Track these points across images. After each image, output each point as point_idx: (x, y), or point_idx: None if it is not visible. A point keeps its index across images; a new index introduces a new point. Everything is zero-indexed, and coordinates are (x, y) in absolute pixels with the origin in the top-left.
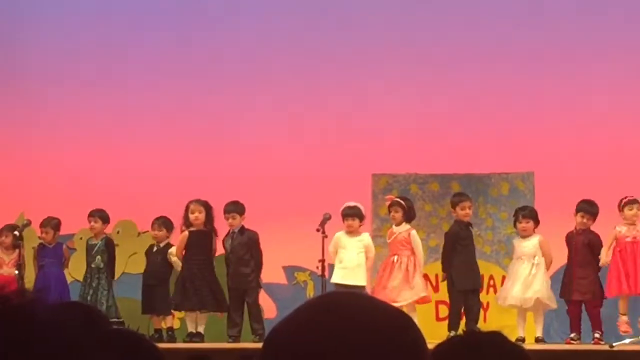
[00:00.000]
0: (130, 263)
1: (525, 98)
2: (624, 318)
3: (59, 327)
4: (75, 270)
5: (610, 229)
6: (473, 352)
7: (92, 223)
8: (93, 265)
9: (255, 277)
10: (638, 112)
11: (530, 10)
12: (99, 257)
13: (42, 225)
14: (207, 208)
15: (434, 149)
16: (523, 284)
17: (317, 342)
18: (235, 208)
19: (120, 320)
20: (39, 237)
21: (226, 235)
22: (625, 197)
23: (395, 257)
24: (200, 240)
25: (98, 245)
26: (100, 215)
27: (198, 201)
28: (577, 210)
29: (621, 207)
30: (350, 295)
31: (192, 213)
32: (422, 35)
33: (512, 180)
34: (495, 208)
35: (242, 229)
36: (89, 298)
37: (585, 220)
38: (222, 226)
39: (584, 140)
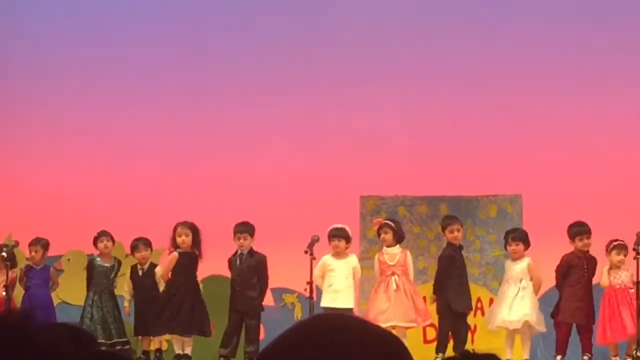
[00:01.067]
0: (119, 284)
1: (513, 120)
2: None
3: (50, 346)
4: (64, 291)
5: (600, 253)
6: None
7: (105, 242)
8: (114, 288)
9: (260, 300)
10: (626, 133)
11: (517, 31)
12: (117, 279)
13: (31, 244)
14: (194, 230)
15: (422, 171)
16: (510, 307)
17: None
18: (247, 229)
19: (127, 339)
20: (27, 258)
21: (233, 255)
22: (614, 241)
23: (395, 278)
24: (186, 263)
25: (115, 266)
26: (110, 236)
27: (185, 223)
28: (575, 234)
29: (608, 251)
30: (341, 317)
31: (179, 236)
32: (410, 57)
33: (500, 202)
34: (484, 230)
35: (252, 252)
36: (110, 321)
37: (587, 241)
38: (224, 245)
39: (572, 163)
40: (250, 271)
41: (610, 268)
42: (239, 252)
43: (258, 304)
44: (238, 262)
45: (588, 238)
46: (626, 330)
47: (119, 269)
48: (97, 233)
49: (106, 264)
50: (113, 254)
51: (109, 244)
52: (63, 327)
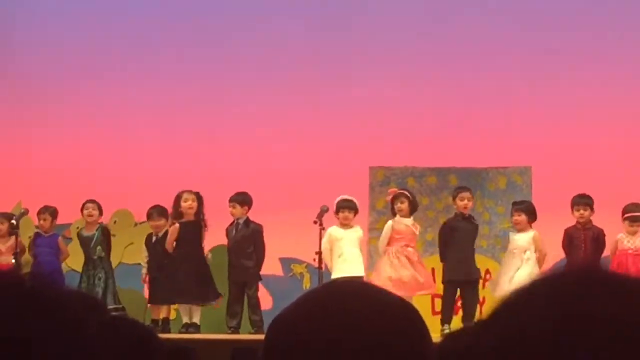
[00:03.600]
0: (127, 253)
1: (523, 92)
2: None
3: (66, 308)
4: (72, 259)
5: (608, 225)
6: None
7: (90, 210)
8: (95, 257)
9: (257, 270)
10: (635, 108)
11: (528, 7)
12: (99, 247)
13: (40, 212)
14: (199, 198)
15: (431, 142)
16: (511, 277)
17: (321, 330)
18: (237, 198)
19: (121, 306)
20: (36, 226)
21: (230, 225)
22: (628, 212)
23: (411, 250)
24: (190, 232)
25: (96, 235)
26: (96, 205)
27: (190, 191)
28: (573, 205)
29: (623, 218)
30: (354, 284)
31: (186, 202)
32: (420, 30)
33: (510, 174)
34: (493, 202)
35: (247, 221)
36: (97, 289)
37: (582, 212)
38: (225, 217)
39: (582, 135)
40: (245, 241)
41: (625, 234)
42: (235, 221)
43: (255, 273)
44: (234, 231)
45: (585, 209)
46: None
47: (105, 237)
48: (84, 201)
49: (87, 233)
50: (122, 222)
51: (94, 212)
52: (75, 292)
